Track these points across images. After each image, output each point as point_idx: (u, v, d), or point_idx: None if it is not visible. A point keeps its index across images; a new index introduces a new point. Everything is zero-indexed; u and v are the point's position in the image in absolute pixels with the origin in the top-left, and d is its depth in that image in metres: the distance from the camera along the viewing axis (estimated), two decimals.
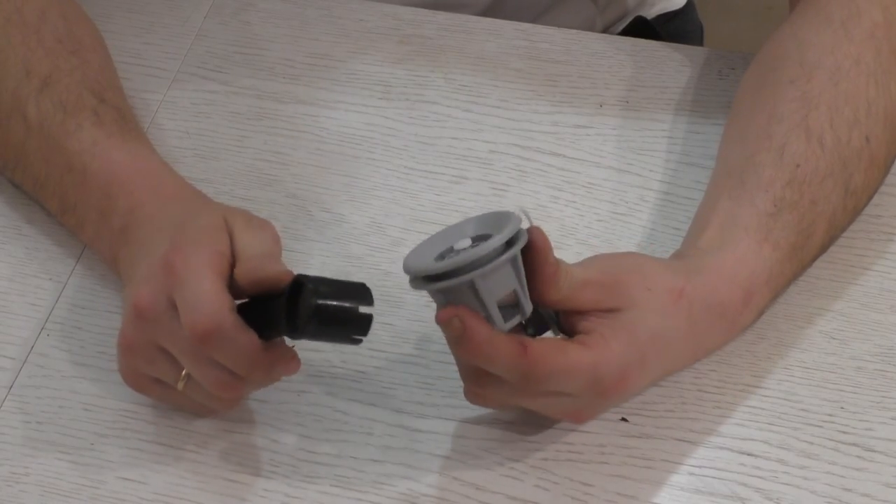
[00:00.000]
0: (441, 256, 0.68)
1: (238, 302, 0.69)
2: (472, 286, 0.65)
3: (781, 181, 0.76)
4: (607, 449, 0.74)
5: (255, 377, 0.70)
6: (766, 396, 0.76)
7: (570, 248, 0.83)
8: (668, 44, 0.96)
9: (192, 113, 0.92)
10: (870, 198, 0.82)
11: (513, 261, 0.65)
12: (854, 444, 0.74)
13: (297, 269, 0.82)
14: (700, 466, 0.74)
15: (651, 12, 1.14)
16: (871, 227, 0.83)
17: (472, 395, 0.71)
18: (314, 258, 0.83)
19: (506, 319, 0.67)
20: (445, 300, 0.67)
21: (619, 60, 0.94)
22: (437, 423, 0.76)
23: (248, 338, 0.68)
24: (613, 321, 0.69)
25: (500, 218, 0.67)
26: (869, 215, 0.83)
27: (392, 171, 0.88)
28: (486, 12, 1.02)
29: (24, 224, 0.86)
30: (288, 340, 0.70)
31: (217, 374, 0.69)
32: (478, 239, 0.68)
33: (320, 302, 0.65)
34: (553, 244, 0.83)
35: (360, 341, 0.67)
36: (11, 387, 0.78)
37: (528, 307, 0.68)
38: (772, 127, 0.78)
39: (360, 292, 0.66)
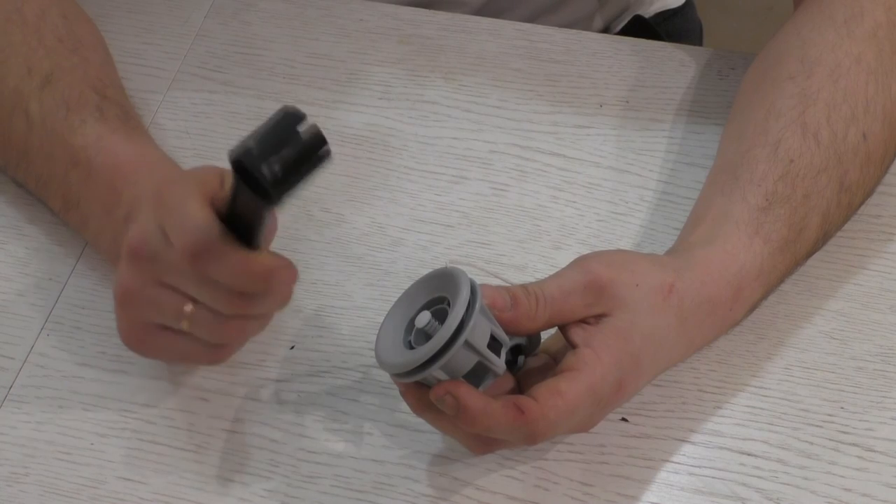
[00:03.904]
0: (407, 333, 0.69)
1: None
2: (444, 367, 0.66)
3: (774, 176, 0.76)
4: (607, 449, 0.74)
5: (254, 288, 0.69)
6: (766, 396, 0.76)
7: (570, 248, 0.83)
8: (668, 44, 0.96)
9: (192, 113, 0.92)
10: (866, 195, 0.82)
11: (469, 341, 0.66)
12: (854, 444, 0.74)
13: (299, 269, 0.83)
14: (700, 466, 0.74)
15: (650, 10, 1.14)
16: (871, 227, 0.83)
17: (476, 447, 0.71)
18: (314, 258, 0.83)
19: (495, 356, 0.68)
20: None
21: (619, 60, 0.94)
22: None
23: (238, 248, 0.67)
24: (604, 328, 0.69)
25: (448, 279, 0.68)
26: (869, 215, 0.83)
27: (392, 171, 0.88)
28: (485, 7, 1.02)
29: (24, 224, 0.86)
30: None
31: (221, 292, 0.69)
32: (434, 303, 0.68)
33: (269, 162, 0.61)
34: (553, 244, 0.83)
35: (329, 151, 0.63)
36: (11, 387, 0.78)
37: (501, 366, 0.68)
38: (768, 123, 0.78)
39: (289, 120, 0.62)
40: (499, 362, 0.68)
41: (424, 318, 0.67)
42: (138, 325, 0.73)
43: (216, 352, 0.74)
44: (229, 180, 0.70)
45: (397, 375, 0.68)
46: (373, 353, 0.78)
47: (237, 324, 0.72)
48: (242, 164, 0.61)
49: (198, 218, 0.67)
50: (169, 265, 0.69)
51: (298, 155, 0.61)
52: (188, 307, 0.70)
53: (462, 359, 0.66)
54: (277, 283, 0.69)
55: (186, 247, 0.67)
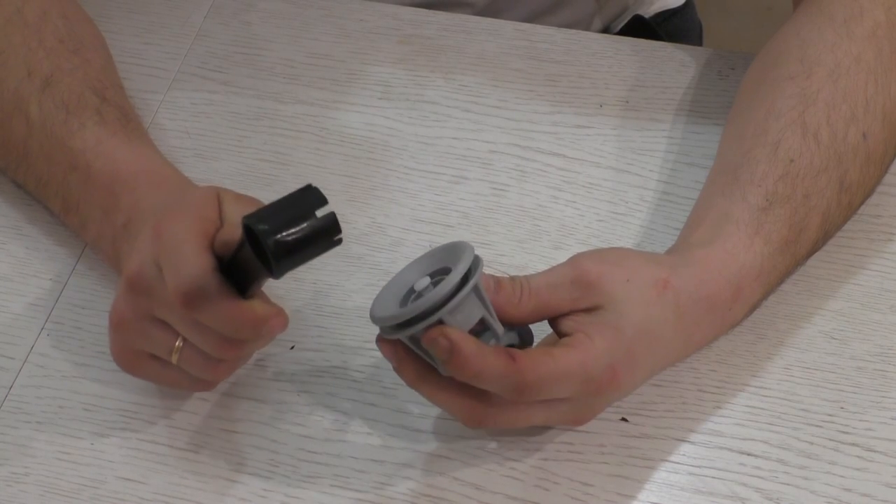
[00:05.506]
0: (405, 299, 0.68)
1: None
2: (441, 323, 0.66)
3: (774, 176, 0.76)
4: (607, 449, 0.74)
5: (244, 336, 0.69)
6: (766, 396, 0.76)
7: (570, 248, 0.83)
8: (668, 44, 0.96)
9: (192, 113, 0.92)
10: (866, 195, 0.82)
11: (475, 290, 0.66)
12: (854, 444, 0.74)
13: (300, 268, 0.83)
14: (700, 466, 0.74)
15: (650, 10, 1.14)
16: (871, 227, 0.83)
17: (470, 419, 0.71)
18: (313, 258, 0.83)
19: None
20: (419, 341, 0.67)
21: (619, 60, 0.94)
22: (437, 423, 0.76)
23: (231, 296, 0.67)
24: (595, 319, 0.69)
25: (452, 250, 0.68)
26: (869, 215, 0.83)
27: (392, 171, 0.88)
28: (486, 9, 1.02)
29: (24, 224, 0.86)
30: (272, 282, 0.68)
31: (211, 337, 0.69)
32: (436, 274, 0.68)
33: (278, 238, 0.61)
34: (553, 244, 0.83)
35: (341, 240, 0.63)
36: (11, 387, 0.79)
37: (500, 328, 0.68)
38: (768, 123, 0.78)
39: (310, 200, 0.62)
40: (498, 322, 0.68)
41: (425, 281, 0.67)
42: (129, 351, 0.73)
43: (204, 384, 0.75)
44: (227, 206, 0.70)
45: (395, 328, 0.67)
46: (373, 354, 0.78)
47: (225, 365, 0.73)
48: (254, 233, 0.61)
49: (193, 264, 0.67)
50: (162, 302, 0.70)
51: (310, 237, 0.61)
52: (178, 343, 0.71)
53: (469, 308, 0.66)
54: (267, 331, 0.70)
55: (179, 291, 0.67)
